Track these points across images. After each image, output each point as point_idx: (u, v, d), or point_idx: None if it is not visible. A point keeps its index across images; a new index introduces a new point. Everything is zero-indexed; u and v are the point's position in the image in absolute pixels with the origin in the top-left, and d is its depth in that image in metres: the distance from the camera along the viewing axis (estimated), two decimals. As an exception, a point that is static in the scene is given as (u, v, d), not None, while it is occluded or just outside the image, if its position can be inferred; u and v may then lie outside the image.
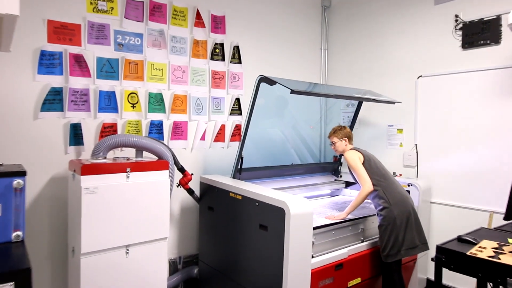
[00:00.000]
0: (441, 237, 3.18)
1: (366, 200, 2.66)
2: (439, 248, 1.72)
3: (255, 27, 3.64)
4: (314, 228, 2.36)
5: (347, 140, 2.86)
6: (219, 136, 3.40)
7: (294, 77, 3.96)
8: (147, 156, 2.61)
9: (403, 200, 2.59)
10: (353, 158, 2.69)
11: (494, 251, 1.63)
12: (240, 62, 3.51)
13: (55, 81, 2.55)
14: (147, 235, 2.39)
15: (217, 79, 3.37)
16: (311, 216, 2.23)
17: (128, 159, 2.49)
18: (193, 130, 3.24)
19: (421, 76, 3.36)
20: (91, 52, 2.69)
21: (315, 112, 4.17)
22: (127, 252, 2.33)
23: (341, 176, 3.76)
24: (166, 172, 2.50)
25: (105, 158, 2.41)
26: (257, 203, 2.37)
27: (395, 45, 3.59)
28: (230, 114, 3.46)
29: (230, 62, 3.45)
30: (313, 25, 4.19)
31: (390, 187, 2.61)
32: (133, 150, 2.58)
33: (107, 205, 2.21)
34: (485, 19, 2.91)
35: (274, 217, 2.23)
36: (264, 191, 2.42)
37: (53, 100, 2.55)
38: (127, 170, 2.33)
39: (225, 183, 2.71)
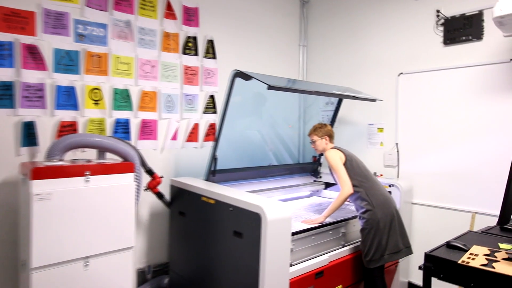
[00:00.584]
0: (423, 239, 3.09)
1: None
2: (427, 256, 1.59)
3: (231, 21, 3.45)
4: (293, 234, 2.19)
5: (327, 138, 2.71)
6: (192, 136, 3.19)
7: (272, 73, 3.79)
8: (112, 158, 2.38)
9: (386, 202, 2.46)
10: (334, 158, 2.54)
11: (486, 258, 1.51)
12: (214, 57, 3.31)
13: (5, 74, 2.28)
14: (109, 245, 2.16)
15: (190, 75, 3.16)
16: (289, 221, 2.06)
17: (89, 161, 2.26)
18: (163, 129, 3.02)
19: (402, 73, 3.26)
20: (48, 43, 2.43)
21: (293, 110, 4.02)
22: (86, 265, 2.10)
23: (320, 177, 3.62)
24: (132, 175, 2.27)
25: (61, 160, 2.17)
26: (231, 208, 2.18)
27: (375, 41, 3.48)
28: (204, 112, 3.26)
29: (204, 57, 3.24)
30: (291, 20, 4.04)
31: (373, 189, 2.48)
32: (96, 151, 2.34)
33: (63, 213, 1.98)
34: (467, 14, 2.83)
35: (249, 223, 2.05)
36: (239, 194, 2.24)
37: (2, 96, 2.28)
38: (86, 173, 2.10)
39: (197, 186, 2.51)
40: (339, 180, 2.50)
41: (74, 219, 2.02)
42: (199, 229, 2.49)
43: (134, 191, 2.28)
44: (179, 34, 3.07)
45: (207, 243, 2.42)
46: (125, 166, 2.25)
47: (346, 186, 2.45)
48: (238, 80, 2.52)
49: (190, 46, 3.15)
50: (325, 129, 2.72)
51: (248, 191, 2.79)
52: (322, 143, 2.70)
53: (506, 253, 1.56)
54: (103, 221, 2.13)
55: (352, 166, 2.53)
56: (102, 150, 2.30)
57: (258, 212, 1.99)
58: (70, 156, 2.51)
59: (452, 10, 2.92)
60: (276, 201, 2.19)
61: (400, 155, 3.28)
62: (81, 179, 2.09)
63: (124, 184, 2.22)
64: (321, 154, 3.54)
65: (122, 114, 2.77)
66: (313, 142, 2.74)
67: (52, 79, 2.45)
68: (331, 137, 2.74)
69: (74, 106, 2.55)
